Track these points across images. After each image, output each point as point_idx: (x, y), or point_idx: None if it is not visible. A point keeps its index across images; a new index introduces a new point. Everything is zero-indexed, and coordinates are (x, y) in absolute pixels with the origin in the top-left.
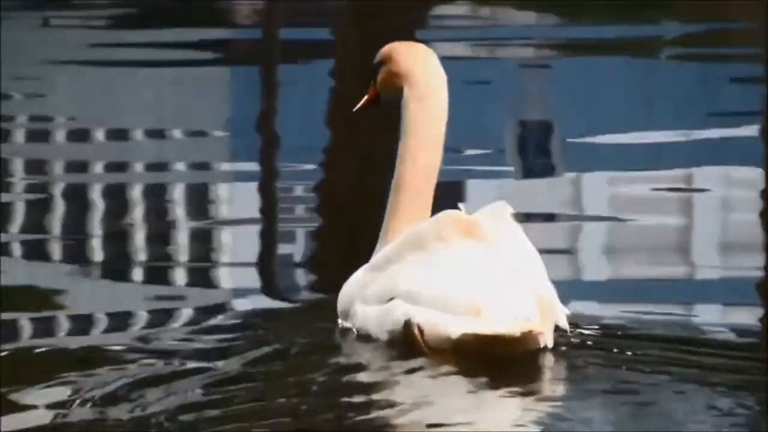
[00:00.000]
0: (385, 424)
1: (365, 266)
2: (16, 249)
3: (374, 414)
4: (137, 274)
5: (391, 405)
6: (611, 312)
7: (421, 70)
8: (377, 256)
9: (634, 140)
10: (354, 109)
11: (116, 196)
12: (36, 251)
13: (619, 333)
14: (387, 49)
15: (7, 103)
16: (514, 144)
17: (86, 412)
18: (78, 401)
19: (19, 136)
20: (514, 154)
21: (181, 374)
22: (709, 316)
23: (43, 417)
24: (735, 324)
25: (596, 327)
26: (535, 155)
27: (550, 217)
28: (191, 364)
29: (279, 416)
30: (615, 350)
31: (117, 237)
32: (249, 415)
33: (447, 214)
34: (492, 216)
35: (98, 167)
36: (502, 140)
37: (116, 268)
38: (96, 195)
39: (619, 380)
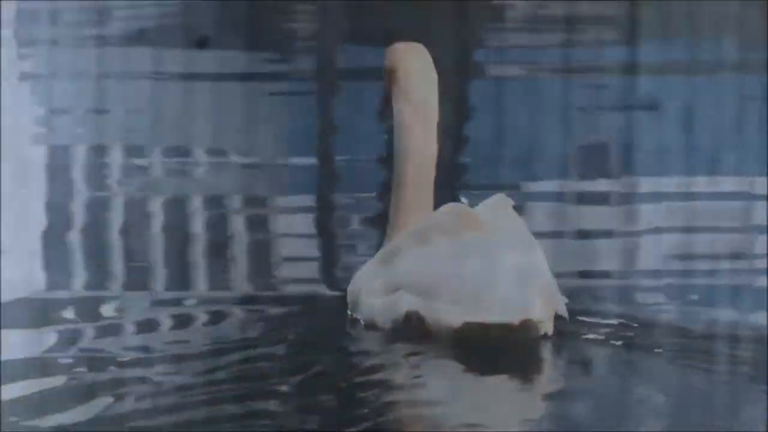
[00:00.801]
0: (380, 405)
1: (372, 260)
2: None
3: (368, 393)
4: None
5: (388, 386)
6: (615, 301)
7: (405, 68)
8: (383, 250)
9: None
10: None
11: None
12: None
13: (623, 322)
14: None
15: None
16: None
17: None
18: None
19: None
20: None
21: (186, 349)
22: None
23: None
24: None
25: (598, 316)
26: None
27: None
28: (201, 343)
29: (270, 397)
30: (617, 340)
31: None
32: (243, 394)
33: (449, 207)
34: (493, 208)
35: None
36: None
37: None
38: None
39: (618, 369)
